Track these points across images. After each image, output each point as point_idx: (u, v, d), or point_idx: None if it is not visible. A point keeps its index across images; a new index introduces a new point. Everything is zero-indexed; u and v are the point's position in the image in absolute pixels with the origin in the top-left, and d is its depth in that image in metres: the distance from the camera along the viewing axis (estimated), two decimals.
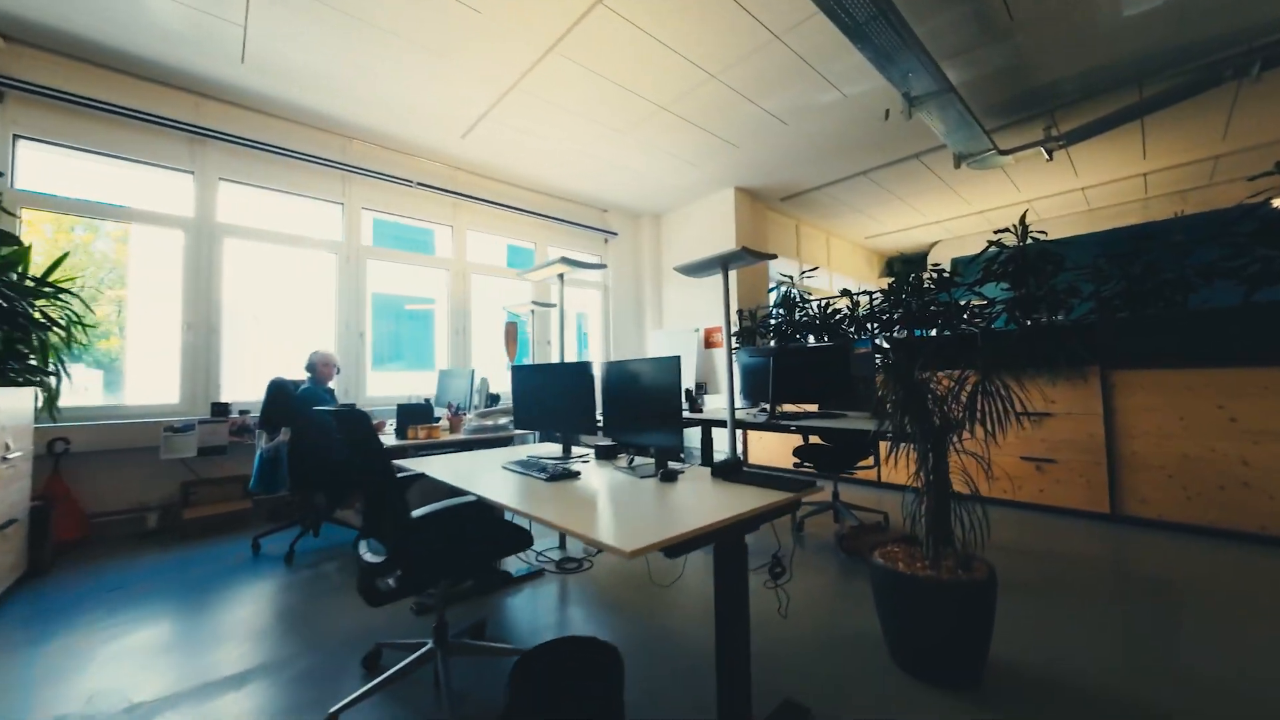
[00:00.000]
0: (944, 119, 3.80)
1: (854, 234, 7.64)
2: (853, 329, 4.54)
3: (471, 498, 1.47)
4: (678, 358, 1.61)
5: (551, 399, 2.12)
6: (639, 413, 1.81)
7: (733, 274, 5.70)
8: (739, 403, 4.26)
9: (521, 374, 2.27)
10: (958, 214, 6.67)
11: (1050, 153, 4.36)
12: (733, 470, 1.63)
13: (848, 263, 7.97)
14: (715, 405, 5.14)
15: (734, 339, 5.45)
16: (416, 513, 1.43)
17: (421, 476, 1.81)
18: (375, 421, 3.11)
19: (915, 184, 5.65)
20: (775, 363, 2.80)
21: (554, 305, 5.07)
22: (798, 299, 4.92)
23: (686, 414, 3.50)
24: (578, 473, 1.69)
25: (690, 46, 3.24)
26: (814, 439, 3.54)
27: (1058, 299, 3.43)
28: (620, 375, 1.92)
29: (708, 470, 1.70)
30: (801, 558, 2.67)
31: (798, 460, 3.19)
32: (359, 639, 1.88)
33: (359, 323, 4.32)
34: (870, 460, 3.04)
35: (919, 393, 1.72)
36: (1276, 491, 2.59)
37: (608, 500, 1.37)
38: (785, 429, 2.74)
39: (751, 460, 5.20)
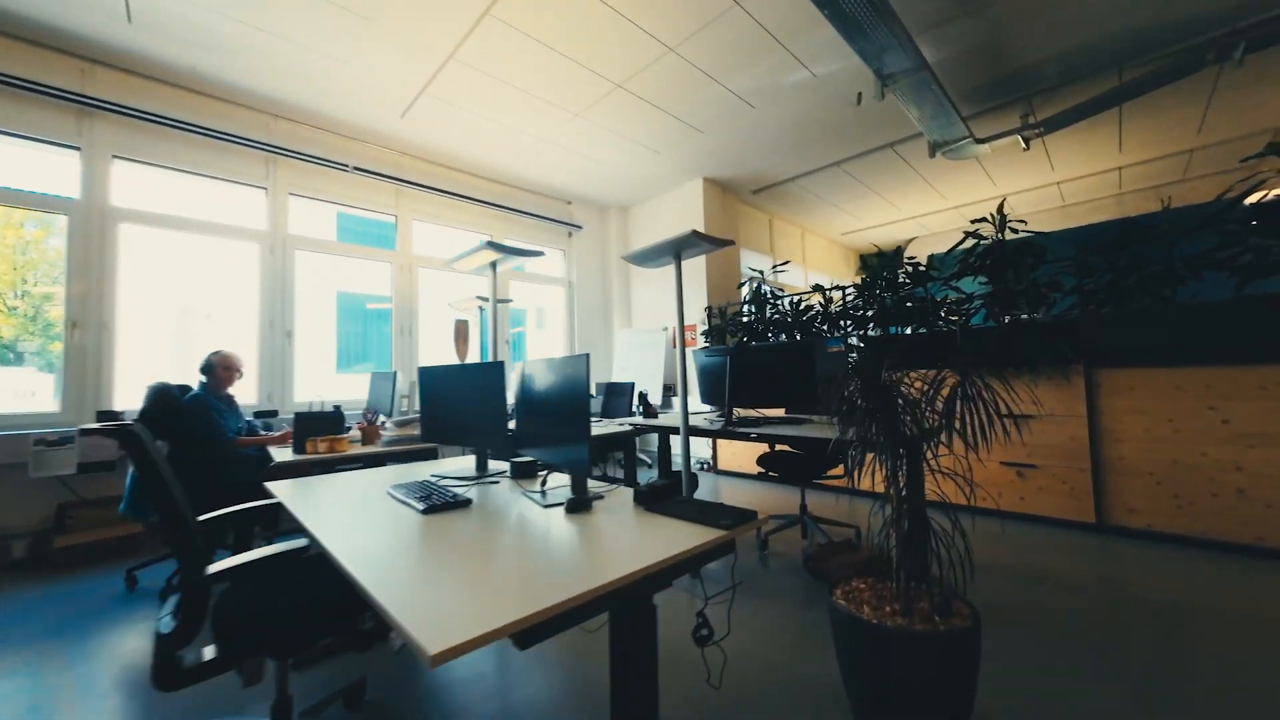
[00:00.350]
0: (918, 101, 3.56)
1: (829, 230, 7.43)
2: (825, 327, 4.28)
3: (304, 541, 1.13)
4: (585, 356, 1.28)
5: (459, 406, 1.77)
6: (545, 423, 1.48)
7: (700, 268, 5.46)
8: (700, 406, 3.94)
9: (428, 376, 1.92)
10: (933, 209, 6.50)
11: (1027, 142, 4.17)
12: (661, 496, 1.31)
13: (824, 260, 7.76)
14: None
15: (703, 337, 5.16)
16: (232, 561, 1.08)
17: (279, 507, 1.45)
18: (281, 432, 2.72)
19: (890, 176, 5.44)
20: (733, 362, 2.49)
21: (507, 301, 4.71)
22: (769, 295, 4.64)
23: (641, 420, 3.18)
24: (467, 501, 1.35)
25: (642, 13, 2.93)
26: (781, 445, 3.26)
27: (1039, 293, 3.21)
28: (531, 378, 1.59)
29: (635, 495, 1.37)
30: (764, 581, 2.38)
31: (762, 469, 2.90)
32: (214, 709, 1.51)
33: (286, 320, 3.90)
34: (841, 469, 2.77)
35: (887, 396, 1.43)
36: (1273, 499, 2.38)
37: (480, 546, 1.04)
38: (744, 436, 2.44)
39: (721, 466, 4.91)
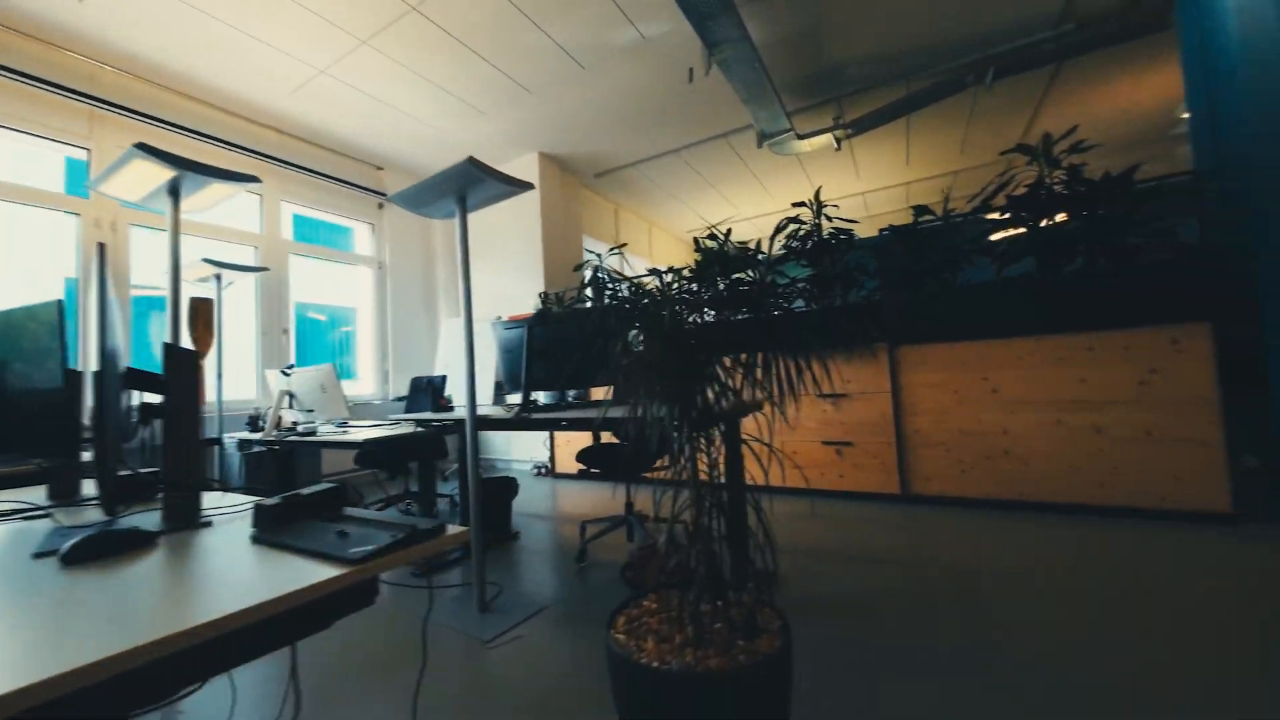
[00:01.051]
0: (744, 80, 3.52)
1: (675, 227, 7.48)
2: (664, 313, 4.07)
3: None
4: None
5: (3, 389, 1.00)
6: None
7: (536, 253, 4.94)
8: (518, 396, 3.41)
9: None
10: (766, 210, 6.87)
11: (839, 142, 4.47)
12: (293, 516, 0.75)
13: (670, 257, 7.80)
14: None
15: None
16: None
17: None
18: None
19: (725, 170, 5.54)
20: (531, 334, 2.02)
21: (260, 269, 3.65)
22: (606, 280, 4.31)
23: (426, 416, 2.54)
24: None
25: None
26: (607, 435, 2.89)
27: (851, 277, 3.34)
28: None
29: (253, 516, 0.79)
30: (568, 605, 1.93)
31: (583, 465, 2.48)
32: None
33: None
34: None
35: (680, 348, 1.07)
36: (1030, 458, 2.65)
37: None
38: (555, 424, 1.97)
39: (561, 469, 4.43)
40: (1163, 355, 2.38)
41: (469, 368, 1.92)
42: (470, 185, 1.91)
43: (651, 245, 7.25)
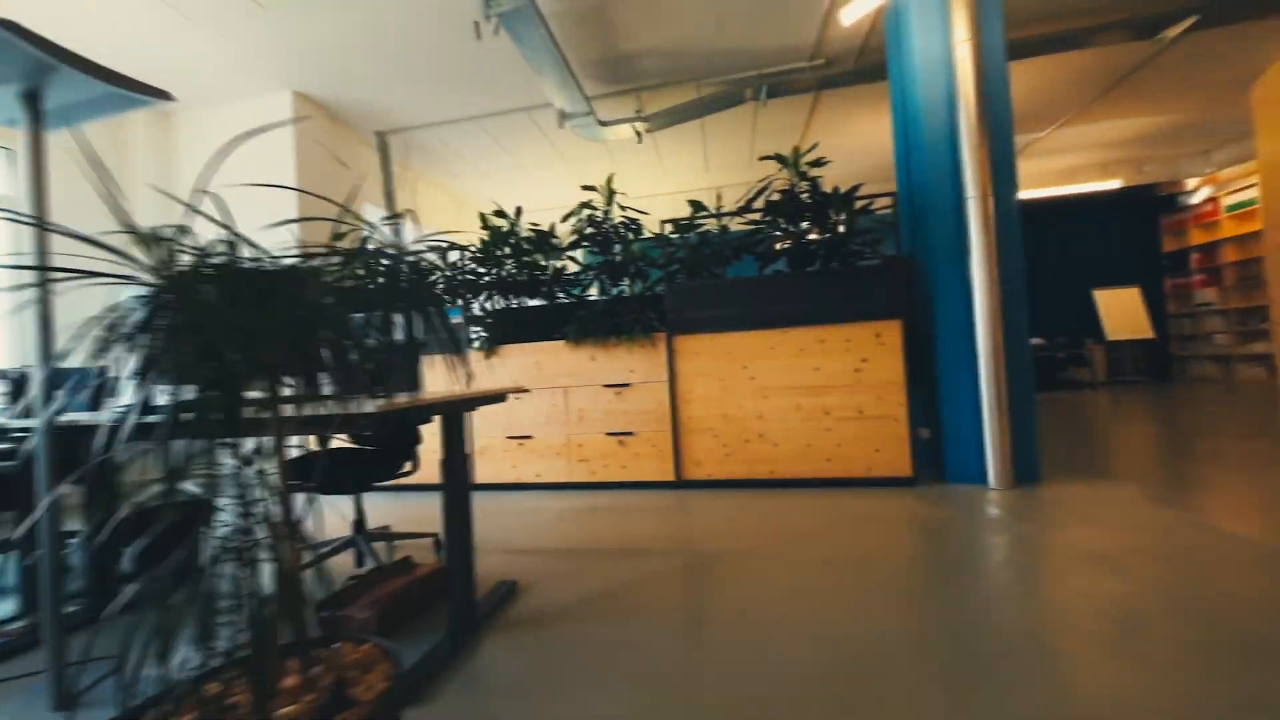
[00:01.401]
0: (533, 46, 3.25)
1: (487, 207, 6.94)
2: (450, 295, 3.62)
3: None
4: None
5: None
6: None
7: (287, 208, 4.00)
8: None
9: None
10: (574, 199, 6.77)
11: (640, 135, 4.51)
12: None
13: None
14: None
15: None
16: None
17: None
18: None
19: (533, 149, 5.24)
20: (156, 307, 1.46)
21: None
22: (380, 252, 3.66)
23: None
24: None
25: None
26: (340, 440, 2.39)
27: (638, 267, 3.33)
28: None
29: None
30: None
31: (297, 479, 1.95)
32: None
33: None
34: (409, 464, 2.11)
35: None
36: (779, 438, 2.92)
37: None
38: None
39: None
40: (870, 346, 2.80)
41: (42, 354, 1.28)
42: (41, 75, 1.27)
43: (460, 226, 6.60)
